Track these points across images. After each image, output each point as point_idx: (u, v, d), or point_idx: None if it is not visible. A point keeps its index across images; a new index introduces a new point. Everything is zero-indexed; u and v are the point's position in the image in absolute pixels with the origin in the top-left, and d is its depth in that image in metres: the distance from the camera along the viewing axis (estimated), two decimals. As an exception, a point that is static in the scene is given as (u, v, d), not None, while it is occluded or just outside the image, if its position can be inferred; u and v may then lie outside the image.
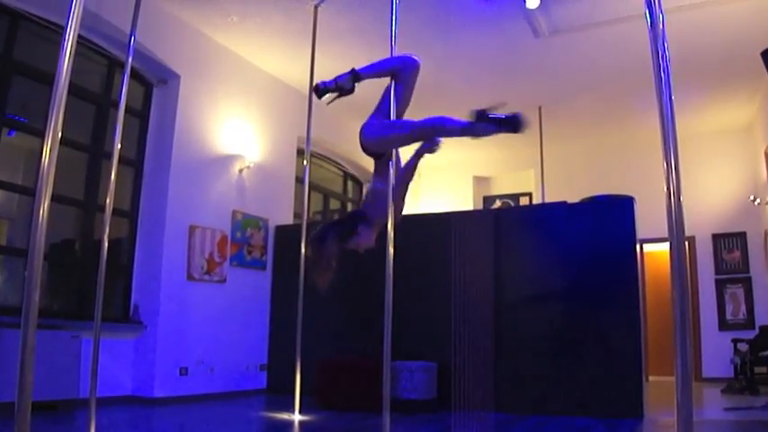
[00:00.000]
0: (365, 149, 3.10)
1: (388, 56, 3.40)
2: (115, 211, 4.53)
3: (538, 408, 5.47)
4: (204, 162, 6.56)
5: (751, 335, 7.48)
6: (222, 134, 6.80)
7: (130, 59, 4.21)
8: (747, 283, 8.52)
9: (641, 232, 5.82)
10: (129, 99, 4.57)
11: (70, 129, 5.18)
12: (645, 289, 8.48)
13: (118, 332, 5.75)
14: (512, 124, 2.68)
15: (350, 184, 9.76)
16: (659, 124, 1.94)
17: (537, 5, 5.81)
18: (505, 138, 8.91)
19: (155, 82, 6.44)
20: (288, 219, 7.69)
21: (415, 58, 3.15)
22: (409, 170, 3.26)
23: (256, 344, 7.06)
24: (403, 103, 3.16)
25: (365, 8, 5.96)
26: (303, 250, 5.28)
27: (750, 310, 8.40)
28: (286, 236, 7.22)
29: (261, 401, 6.39)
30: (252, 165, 7.05)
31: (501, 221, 6.22)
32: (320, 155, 8.88)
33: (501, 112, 2.70)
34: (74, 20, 1.99)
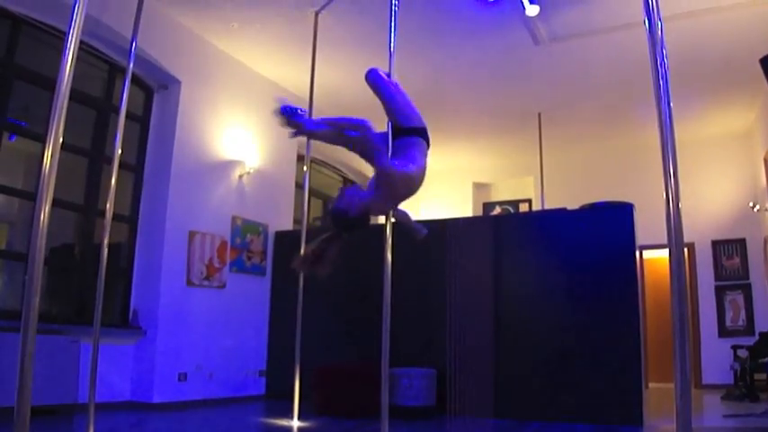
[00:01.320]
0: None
1: (377, 73, 3.36)
2: (115, 216, 4.53)
3: (537, 414, 5.46)
4: (204, 167, 6.57)
5: (751, 341, 7.47)
6: (222, 140, 6.81)
7: (131, 65, 4.23)
8: (747, 290, 8.51)
9: (641, 239, 5.82)
10: (129, 104, 4.57)
11: (71, 133, 5.19)
12: (644, 295, 8.49)
13: (117, 337, 5.74)
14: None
15: (350, 189, 9.75)
16: (658, 131, 1.95)
17: (537, 13, 5.83)
18: (505, 144, 8.89)
19: (155, 87, 6.45)
20: (288, 225, 7.70)
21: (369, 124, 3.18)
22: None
23: (255, 350, 7.04)
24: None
25: (365, 15, 5.98)
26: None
27: (750, 317, 8.39)
28: (286, 242, 7.21)
29: (259, 407, 6.38)
30: (252, 170, 7.06)
31: (501, 228, 6.22)
32: (320, 161, 8.89)
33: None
34: (76, 25, 2.00)
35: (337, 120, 3.35)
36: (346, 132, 3.26)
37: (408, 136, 3.17)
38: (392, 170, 3.00)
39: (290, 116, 3.22)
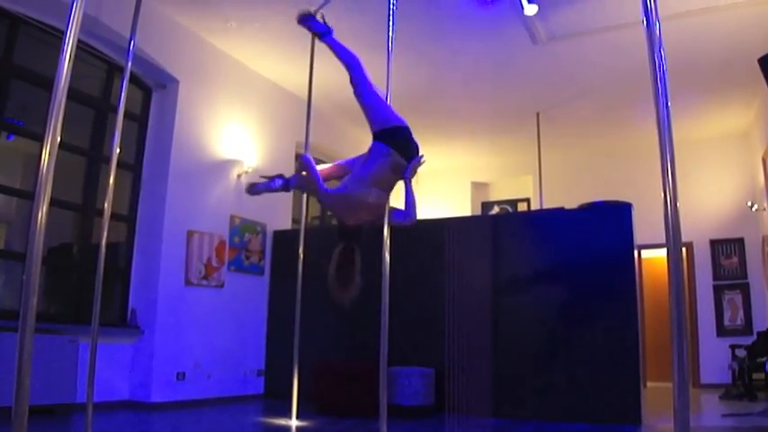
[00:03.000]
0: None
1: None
2: (113, 216, 4.53)
3: (536, 413, 5.46)
4: (203, 167, 6.56)
5: (749, 341, 7.48)
6: (221, 139, 6.80)
7: (130, 64, 4.22)
8: (745, 289, 8.52)
9: (639, 238, 5.83)
10: (128, 103, 4.57)
11: (69, 133, 5.18)
12: (643, 295, 8.49)
13: (115, 337, 5.74)
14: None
15: (348, 189, 9.75)
16: (656, 131, 1.95)
17: (535, 12, 5.83)
18: (504, 144, 8.89)
19: (154, 86, 6.44)
20: (286, 224, 7.69)
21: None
22: None
23: (254, 349, 7.04)
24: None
25: (364, 14, 5.97)
26: (301, 255, 5.27)
27: (748, 316, 8.40)
28: (284, 241, 7.21)
29: (258, 407, 6.37)
30: (250, 170, 7.04)
31: (499, 227, 6.22)
32: (318, 160, 8.86)
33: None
34: (74, 24, 2.00)
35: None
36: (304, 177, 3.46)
37: (374, 141, 3.27)
38: (321, 199, 3.36)
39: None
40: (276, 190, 3.66)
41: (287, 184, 3.61)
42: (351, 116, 8.07)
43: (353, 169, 3.28)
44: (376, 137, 3.25)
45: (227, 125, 6.89)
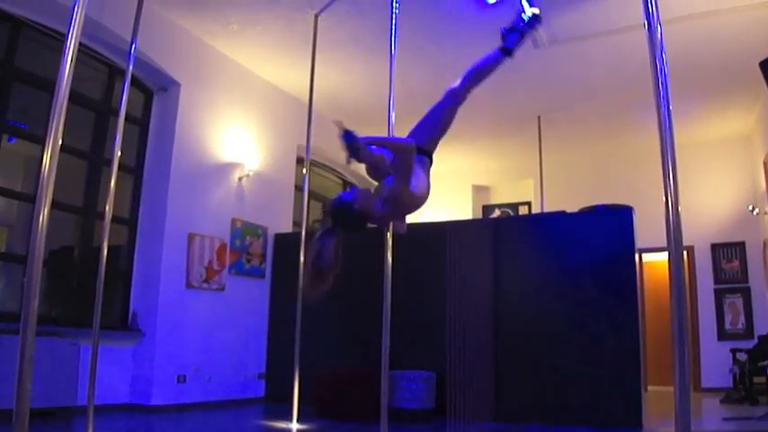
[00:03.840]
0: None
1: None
2: (114, 219, 4.53)
3: (537, 418, 5.45)
4: (204, 170, 6.57)
5: (750, 345, 7.46)
6: (222, 142, 6.81)
7: (131, 67, 4.23)
8: (746, 293, 8.51)
9: (640, 242, 5.82)
10: (129, 106, 4.57)
11: (70, 136, 5.18)
12: (644, 298, 8.48)
13: (116, 339, 5.73)
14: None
15: (349, 192, 9.75)
16: (658, 134, 1.95)
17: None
18: (505, 147, 8.89)
19: (155, 89, 6.45)
20: (287, 227, 7.69)
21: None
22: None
23: (255, 352, 7.04)
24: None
25: (365, 17, 5.98)
26: (302, 259, 5.27)
27: (749, 320, 8.39)
28: (285, 244, 7.21)
29: (259, 410, 6.37)
30: (251, 173, 7.05)
31: (500, 231, 6.22)
32: (319, 163, 8.89)
33: None
34: (75, 27, 2.00)
35: (386, 140, 2.96)
36: (397, 155, 2.79)
37: (425, 156, 3.21)
38: (409, 191, 2.82)
39: (353, 142, 2.65)
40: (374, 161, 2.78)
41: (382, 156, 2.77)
42: (352, 119, 8.02)
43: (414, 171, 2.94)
44: (426, 153, 3.24)
45: (228, 128, 6.90)
